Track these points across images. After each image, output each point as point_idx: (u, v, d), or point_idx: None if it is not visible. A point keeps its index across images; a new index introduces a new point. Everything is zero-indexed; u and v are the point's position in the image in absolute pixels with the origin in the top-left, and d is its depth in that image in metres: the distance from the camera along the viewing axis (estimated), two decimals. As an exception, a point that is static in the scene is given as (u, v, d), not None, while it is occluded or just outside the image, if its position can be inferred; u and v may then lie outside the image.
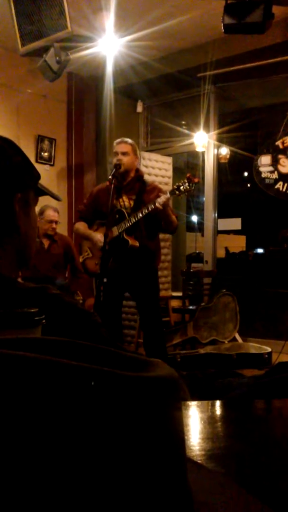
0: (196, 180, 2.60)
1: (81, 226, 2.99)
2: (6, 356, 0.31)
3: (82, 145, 4.90)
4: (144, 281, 2.86)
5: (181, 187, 2.60)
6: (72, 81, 4.85)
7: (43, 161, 4.64)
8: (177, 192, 2.61)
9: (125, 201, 2.82)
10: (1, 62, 4.15)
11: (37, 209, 0.74)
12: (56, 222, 3.69)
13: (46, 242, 3.70)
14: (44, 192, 0.73)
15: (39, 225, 3.61)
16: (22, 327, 0.48)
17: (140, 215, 2.66)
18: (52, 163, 4.74)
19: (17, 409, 0.30)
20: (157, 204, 2.56)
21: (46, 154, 4.66)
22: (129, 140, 2.85)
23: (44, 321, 0.50)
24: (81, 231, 2.98)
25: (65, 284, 3.74)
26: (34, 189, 0.70)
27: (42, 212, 3.62)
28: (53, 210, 3.65)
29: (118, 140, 2.86)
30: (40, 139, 4.58)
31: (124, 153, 2.77)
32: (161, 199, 2.57)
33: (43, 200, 0.72)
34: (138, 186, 2.85)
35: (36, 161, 4.56)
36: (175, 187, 2.64)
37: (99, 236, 2.82)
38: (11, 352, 0.32)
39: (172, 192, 2.62)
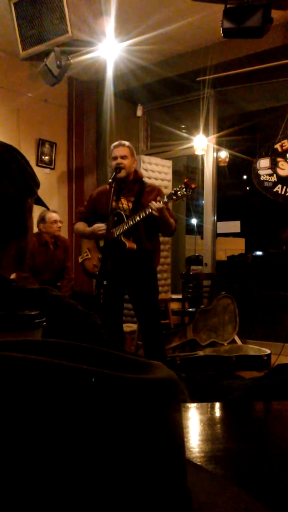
0: (193, 185, 2.59)
1: (80, 225, 3.02)
2: (7, 358, 0.32)
3: (83, 148, 4.91)
4: (142, 282, 2.86)
5: (178, 192, 2.59)
6: (73, 85, 4.87)
7: (44, 165, 4.65)
8: (174, 197, 2.60)
9: (124, 203, 2.83)
10: (2, 66, 4.16)
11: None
12: (60, 221, 3.76)
13: (51, 247, 3.74)
14: (40, 200, 0.74)
15: (44, 230, 3.65)
16: (22, 329, 0.48)
17: (138, 218, 2.66)
18: (52, 167, 4.75)
19: (18, 412, 0.30)
20: (151, 211, 2.56)
21: (46, 157, 4.67)
22: (126, 143, 2.84)
23: (44, 323, 0.50)
24: (80, 230, 3.01)
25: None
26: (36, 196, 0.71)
27: (43, 217, 3.64)
28: (52, 211, 3.69)
29: (116, 143, 2.84)
30: (41, 142, 4.59)
31: (123, 157, 2.77)
32: (155, 205, 2.55)
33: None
34: (137, 188, 2.85)
35: (37, 165, 4.57)
36: (172, 192, 2.63)
37: (98, 224, 2.83)
38: (12, 355, 0.32)
39: (169, 197, 2.61)
